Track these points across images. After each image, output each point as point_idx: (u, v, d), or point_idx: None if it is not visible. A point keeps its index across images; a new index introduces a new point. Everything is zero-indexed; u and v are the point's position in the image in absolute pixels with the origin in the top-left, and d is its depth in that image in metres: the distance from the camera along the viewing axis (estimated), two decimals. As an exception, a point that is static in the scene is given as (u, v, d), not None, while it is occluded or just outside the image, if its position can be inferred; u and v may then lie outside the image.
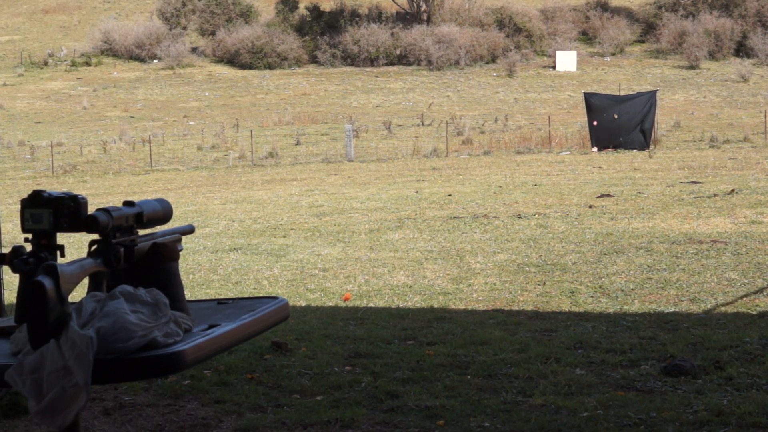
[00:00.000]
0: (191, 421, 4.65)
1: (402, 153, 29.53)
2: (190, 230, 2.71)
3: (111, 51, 60.12)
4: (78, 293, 2.32)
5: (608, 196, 15.14)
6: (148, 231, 2.48)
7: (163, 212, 2.47)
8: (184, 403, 4.94)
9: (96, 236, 2.30)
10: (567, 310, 7.09)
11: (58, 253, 2.26)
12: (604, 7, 61.24)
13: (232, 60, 57.59)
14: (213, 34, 59.69)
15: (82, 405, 2.04)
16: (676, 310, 6.95)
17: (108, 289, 2.33)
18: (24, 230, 2.25)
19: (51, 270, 2.07)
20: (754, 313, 6.75)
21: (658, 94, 30.25)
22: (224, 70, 56.72)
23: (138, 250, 2.38)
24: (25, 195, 2.32)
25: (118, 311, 2.14)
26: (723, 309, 6.91)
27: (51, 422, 2.05)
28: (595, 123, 28.22)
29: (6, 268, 5.10)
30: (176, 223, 2.69)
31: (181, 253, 2.52)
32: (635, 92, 33.98)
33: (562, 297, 7.57)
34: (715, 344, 5.75)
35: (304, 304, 7.75)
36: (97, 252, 2.30)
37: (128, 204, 2.37)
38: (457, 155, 28.66)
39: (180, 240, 2.57)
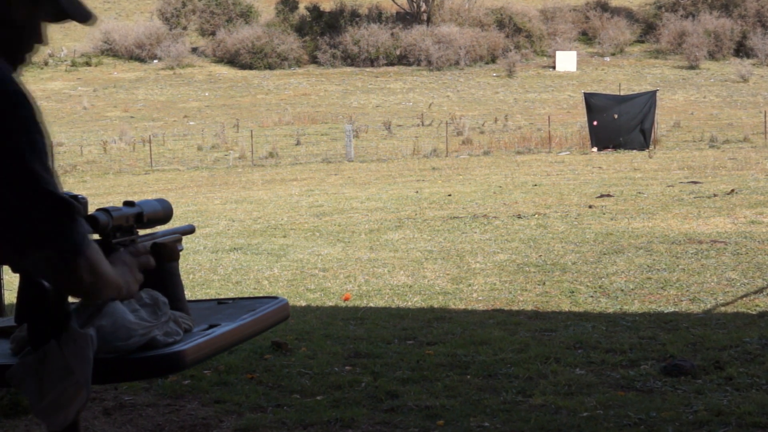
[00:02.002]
0: (191, 421, 4.65)
1: (402, 153, 29.53)
2: (190, 230, 2.70)
3: (111, 51, 60.11)
4: (78, 293, 2.32)
5: (608, 196, 15.14)
6: (148, 231, 2.48)
7: (164, 212, 2.47)
8: (184, 403, 4.94)
9: (96, 236, 2.30)
10: (567, 310, 7.09)
11: (59, 252, 2.25)
12: (604, 7, 61.23)
13: (232, 60, 57.59)
14: (213, 34, 59.69)
15: (83, 404, 2.04)
16: (676, 310, 6.95)
17: (108, 288, 2.33)
18: (24, 230, 2.25)
19: (51, 270, 2.07)
20: (754, 313, 6.75)
21: (658, 94, 30.26)
22: (224, 71, 56.71)
23: (138, 250, 2.38)
24: (25, 195, 2.31)
25: (118, 310, 2.14)
26: (723, 309, 6.92)
27: (51, 421, 2.05)
28: (595, 123, 28.25)
29: (6, 268, 5.10)
30: (176, 223, 2.69)
31: (181, 253, 2.52)
32: (635, 92, 33.98)
33: (562, 297, 7.57)
34: (715, 344, 5.75)
35: (304, 304, 7.75)
36: (97, 252, 2.29)
37: (128, 204, 2.37)
38: (457, 155, 28.66)
39: (180, 240, 2.56)
